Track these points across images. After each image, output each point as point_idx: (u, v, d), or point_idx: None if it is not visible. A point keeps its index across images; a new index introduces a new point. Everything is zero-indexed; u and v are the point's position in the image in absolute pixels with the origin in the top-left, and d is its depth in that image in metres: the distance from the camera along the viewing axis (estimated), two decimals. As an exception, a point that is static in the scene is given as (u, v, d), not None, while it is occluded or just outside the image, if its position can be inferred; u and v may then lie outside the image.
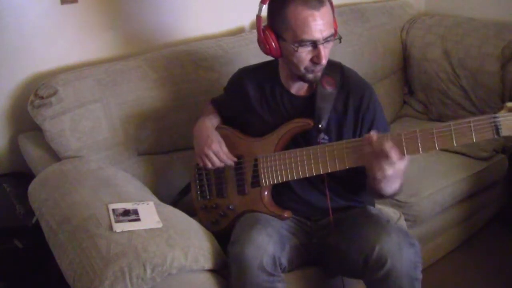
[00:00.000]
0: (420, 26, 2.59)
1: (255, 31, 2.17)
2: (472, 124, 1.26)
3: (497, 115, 1.24)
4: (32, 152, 1.83)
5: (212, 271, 1.42)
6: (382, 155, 1.30)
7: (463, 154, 2.20)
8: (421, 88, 2.60)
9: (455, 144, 1.29)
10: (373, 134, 1.33)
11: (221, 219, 1.64)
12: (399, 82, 2.68)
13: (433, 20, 2.59)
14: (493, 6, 2.57)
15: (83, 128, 1.75)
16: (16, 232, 1.74)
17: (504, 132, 1.24)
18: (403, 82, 2.70)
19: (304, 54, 1.42)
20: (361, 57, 2.42)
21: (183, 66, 1.95)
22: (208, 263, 1.39)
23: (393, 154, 1.29)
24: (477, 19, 2.50)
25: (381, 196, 1.48)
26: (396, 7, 2.68)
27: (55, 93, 1.73)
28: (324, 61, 1.43)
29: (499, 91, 2.29)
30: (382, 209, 1.81)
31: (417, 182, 2.02)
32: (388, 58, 2.57)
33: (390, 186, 1.40)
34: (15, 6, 1.82)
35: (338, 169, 1.44)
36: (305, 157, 1.48)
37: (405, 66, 2.66)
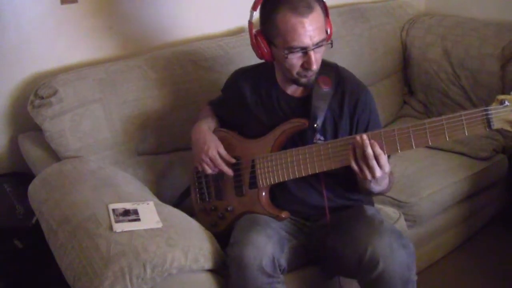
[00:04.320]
0: (420, 26, 2.59)
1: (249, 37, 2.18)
2: (463, 118, 1.27)
3: (488, 107, 1.25)
4: (32, 152, 1.83)
5: (212, 271, 1.42)
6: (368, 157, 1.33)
7: (463, 154, 2.20)
8: (421, 88, 2.60)
9: (447, 139, 1.30)
10: (365, 138, 1.35)
11: (220, 221, 1.64)
12: (399, 82, 2.68)
13: (433, 20, 2.59)
14: (493, 6, 2.57)
15: (83, 128, 1.75)
16: (16, 232, 1.74)
17: (496, 125, 1.25)
18: (403, 82, 2.70)
19: (295, 60, 1.42)
20: (361, 57, 2.42)
21: (183, 66, 1.95)
22: (208, 263, 1.39)
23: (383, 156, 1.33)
24: (477, 19, 2.50)
25: (370, 193, 1.51)
26: (396, 7, 2.68)
27: (55, 93, 1.73)
28: (314, 67, 1.42)
29: (499, 91, 2.29)
30: (382, 209, 1.81)
31: (417, 182, 2.02)
32: (388, 58, 2.57)
33: (377, 186, 1.42)
34: (15, 6, 1.82)
35: (333, 168, 1.44)
36: (301, 157, 1.48)
37: (405, 66, 2.66)
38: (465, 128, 1.27)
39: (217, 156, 1.58)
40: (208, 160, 1.58)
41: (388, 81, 2.62)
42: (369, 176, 1.35)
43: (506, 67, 2.28)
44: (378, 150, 1.33)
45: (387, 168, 1.35)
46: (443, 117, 1.29)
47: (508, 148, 2.27)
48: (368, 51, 2.46)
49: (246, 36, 2.18)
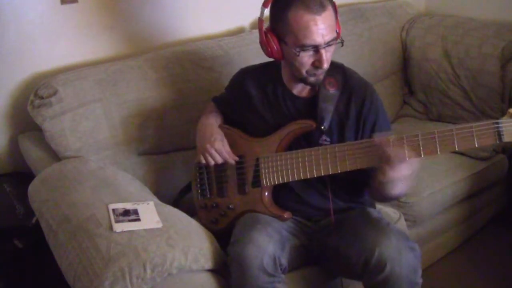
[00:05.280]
0: (420, 26, 2.59)
1: (255, 31, 2.18)
2: (474, 130, 1.26)
3: (499, 120, 1.24)
4: (32, 152, 1.83)
5: (212, 271, 1.42)
6: (396, 158, 1.31)
7: (463, 154, 2.20)
8: (421, 88, 2.60)
9: (456, 149, 1.30)
10: (391, 137, 1.34)
11: (221, 219, 1.64)
12: (399, 82, 2.68)
13: (433, 20, 2.59)
14: (493, 6, 2.57)
15: (83, 128, 1.75)
16: (16, 232, 1.74)
17: (507, 138, 1.24)
18: (403, 82, 2.69)
19: (306, 58, 1.42)
20: (361, 57, 2.42)
21: (183, 66, 1.95)
22: (208, 263, 1.39)
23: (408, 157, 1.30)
24: (477, 19, 2.50)
25: (384, 198, 1.50)
26: (396, 7, 2.68)
27: (55, 93, 1.73)
28: (325, 65, 1.42)
29: (499, 91, 2.29)
30: (382, 209, 1.81)
31: (417, 182, 2.01)
32: (388, 58, 2.57)
33: (397, 187, 1.41)
34: (15, 6, 1.82)
35: (339, 171, 1.44)
36: (306, 158, 1.48)
37: (405, 66, 2.66)
38: (475, 139, 1.26)
39: (223, 148, 1.58)
40: (213, 151, 1.58)
41: (388, 81, 2.62)
42: (389, 175, 1.33)
43: (506, 67, 2.28)
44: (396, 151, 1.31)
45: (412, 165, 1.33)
46: (453, 127, 1.29)
47: (508, 148, 2.27)
48: (368, 51, 2.46)
49: (246, 36, 2.19)
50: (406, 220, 1.88)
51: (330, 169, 1.45)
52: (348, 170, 1.43)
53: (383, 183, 1.39)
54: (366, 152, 1.39)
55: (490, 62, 2.29)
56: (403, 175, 1.35)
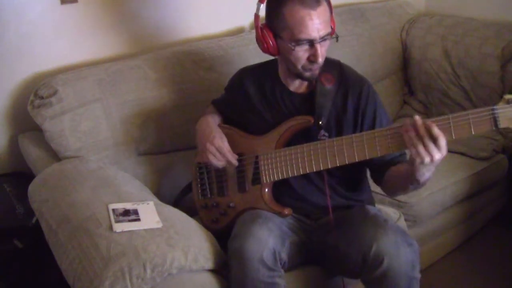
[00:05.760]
0: (420, 26, 2.59)
1: (254, 31, 2.18)
2: (470, 117, 1.27)
3: (495, 107, 1.25)
4: (32, 152, 1.83)
5: (212, 271, 1.42)
6: (429, 140, 1.26)
7: (463, 154, 2.20)
8: (421, 88, 2.60)
9: (453, 137, 1.29)
10: (418, 119, 1.29)
11: (222, 218, 1.65)
12: (399, 82, 2.68)
13: (433, 20, 2.60)
14: (493, 6, 2.57)
15: (83, 128, 1.75)
16: (16, 232, 1.74)
17: (502, 124, 1.25)
18: (403, 82, 2.70)
19: (301, 53, 1.44)
20: (361, 57, 2.43)
21: (183, 66, 1.95)
22: (208, 263, 1.39)
23: (442, 138, 1.26)
24: (477, 19, 2.50)
25: (408, 187, 1.43)
26: (396, 7, 2.68)
27: (55, 93, 1.73)
28: (320, 60, 1.44)
29: (499, 91, 2.29)
30: (382, 209, 1.81)
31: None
32: (388, 58, 2.57)
33: (428, 172, 1.35)
34: (15, 6, 1.82)
35: (338, 164, 1.44)
36: (305, 154, 1.48)
37: (405, 66, 2.66)
38: (472, 126, 1.27)
39: (223, 145, 1.57)
40: (213, 149, 1.57)
41: (388, 81, 2.62)
42: (426, 159, 1.27)
43: (506, 67, 2.28)
44: (436, 131, 1.26)
45: (445, 150, 1.28)
46: (450, 115, 1.29)
47: (508, 148, 2.27)
48: (368, 51, 2.47)
49: (246, 36, 2.19)
50: (406, 220, 1.88)
51: (328, 163, 1.45)
52: (346, 163, 1.43)
53: (418, 169, 1.32)
54: (395, 137, 1.35)
55: (490, 62, 2.29)
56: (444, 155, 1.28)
